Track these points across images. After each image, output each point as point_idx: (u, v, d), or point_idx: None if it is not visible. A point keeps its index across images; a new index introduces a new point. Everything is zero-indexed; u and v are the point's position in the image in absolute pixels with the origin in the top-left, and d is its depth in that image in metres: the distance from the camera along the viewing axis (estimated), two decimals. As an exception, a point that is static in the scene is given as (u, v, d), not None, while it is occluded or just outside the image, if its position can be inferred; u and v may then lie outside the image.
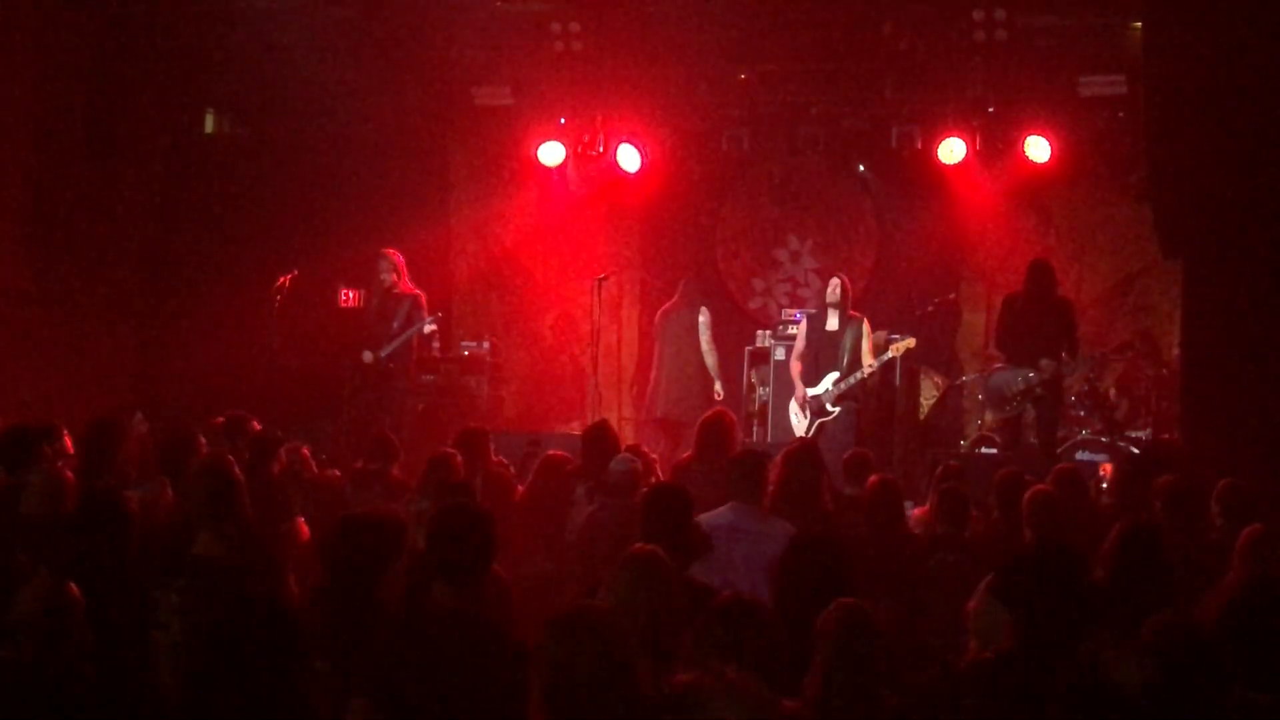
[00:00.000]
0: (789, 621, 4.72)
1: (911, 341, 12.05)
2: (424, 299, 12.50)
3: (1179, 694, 2.84)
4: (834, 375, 11.96)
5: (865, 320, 12.13)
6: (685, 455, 9.33)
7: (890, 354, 12.05)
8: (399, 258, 12.52)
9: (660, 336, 13.04)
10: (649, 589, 4.79)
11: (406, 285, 12.52)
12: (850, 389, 11.96)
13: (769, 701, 2.82)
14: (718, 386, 12.76)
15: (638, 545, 5.25)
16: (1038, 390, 11.39)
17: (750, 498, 7.08)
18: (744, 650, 3.98)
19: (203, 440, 8.51)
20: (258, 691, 3.44)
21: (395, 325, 12.35)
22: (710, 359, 12.77)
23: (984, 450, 12.52)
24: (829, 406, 11.98)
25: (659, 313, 13.17)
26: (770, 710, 2.78)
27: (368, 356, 12.33)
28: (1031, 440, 11.91)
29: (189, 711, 3.51)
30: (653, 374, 13.03)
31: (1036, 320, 11.38)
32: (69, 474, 7.22)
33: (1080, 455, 11.80)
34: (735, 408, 12.20)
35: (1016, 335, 11.50)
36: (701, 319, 12.79)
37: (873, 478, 8.17)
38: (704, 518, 7.02)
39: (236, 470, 6.12)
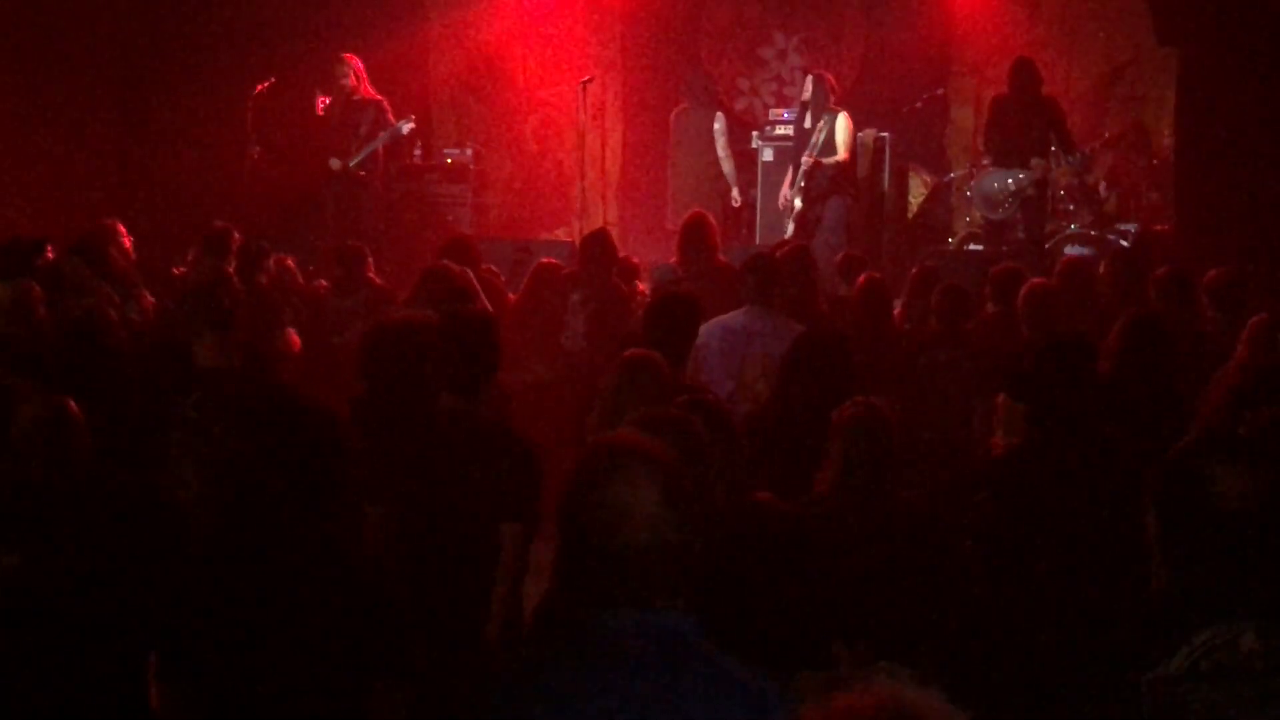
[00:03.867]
0: (795, 418, 4.69)
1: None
2: (387, 104, 12.27)
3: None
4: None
5: (844, 113, 11.87)
6: (672, 259, 9.27)
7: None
8: (358, 62, 12.23)
9: (674, 142, 12.82)
10: (643, 392, 4.76)
11: (368, 90, 12.26)
12: (813, 182, 11.76)
13: (681, 470, 2.73)
14: (735, 193, 12.63)
15: (631, 350, 5.22)
16: (1029, 190, 11.31)
17: (763, 300, 7.12)
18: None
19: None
20: (299, 494, 3.38)
21: (362, 131, 12.15)
22: (727, 166, 12.56)
23: (972, 247, 12.48)
24: (796, 203, 11.85)
25: (672, 115, 12.90)
26: (684, 479, 2.70)
27: (335, 164, 12.13)
28: (1020, 235, 11.84)
29: (221, 526, 3.46)
30: (670, 180, 12.85)
31: (1023, 120, 11.24)
32: (35, 288, 7.14)
33: (1070, 249, 11.75)
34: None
35: (1004, 136, 11.36)
36: (717, 125, 12.54)
37: (860, 277, 8.16)
38: (718, 321, 7.04)
39: (235, 282, 6.06)
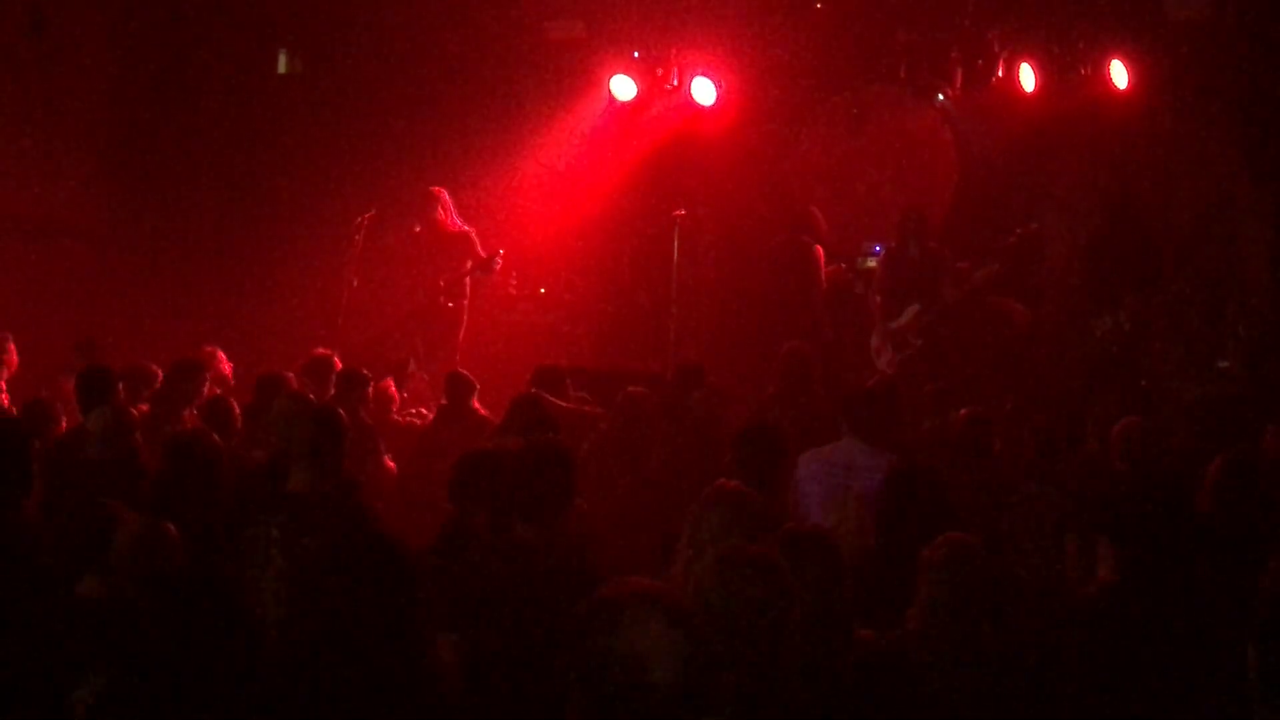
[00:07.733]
0: (890, 552, 4.64)
1: (996, 267, 11.89)
2: (474, 235, 12.49)
3: None
4: (915, 308, 11.82)
5: (946, 251, 11.99)
6: (769, 391, 9.30)
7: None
8: (445, 195, 12.54)
9: (769, 274, 12.91)
10: (732, 524, 4.73)
11: (454, 223, 12.52)
12: (931, 321, 11.82)
13: (690, 613, 2.70)
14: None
15: (723, 481, 5.20)
16: (1125, 327, 11.25)
17: (866, 433, 7.07)
18: (804, 580, 3.91)
19: (292, 378, 8.60)
20: (372, 623, 3.40)
21: (450, 263, 12.37)
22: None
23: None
24: (910, 339, 11.84)
25: (773, 245, 12.98)
26: (691, 621, 2.67)
27: (423, 294, 12.36)
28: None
29: (298, 648, 3.48)
30: (761, 312, 12.90)
31: (1116, 260, 11.26)
32: (131, 412, 7.28)
33: (1169, 385, 11.60)
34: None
35: (1095, 275, 11.38)
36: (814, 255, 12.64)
37: (964, 411, 8.10)
38: (818, 453, 7.02)
39: (340, 412, 6.12)
